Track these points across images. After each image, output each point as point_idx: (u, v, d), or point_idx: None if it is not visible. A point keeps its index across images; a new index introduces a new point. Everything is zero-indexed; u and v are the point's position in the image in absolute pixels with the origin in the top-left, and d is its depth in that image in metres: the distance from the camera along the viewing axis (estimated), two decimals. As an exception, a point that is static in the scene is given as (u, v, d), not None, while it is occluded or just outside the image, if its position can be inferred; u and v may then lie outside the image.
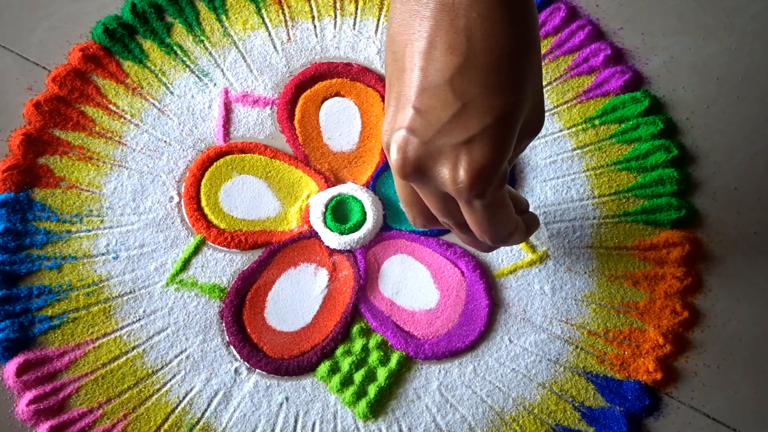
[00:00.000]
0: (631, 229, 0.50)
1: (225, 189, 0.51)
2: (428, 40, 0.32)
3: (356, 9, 0.56)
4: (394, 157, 0.33)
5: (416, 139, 0.32)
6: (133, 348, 0.47)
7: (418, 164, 0.33)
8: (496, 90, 0.32)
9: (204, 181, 0.51)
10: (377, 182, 0.51)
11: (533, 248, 0.50)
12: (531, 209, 0.51)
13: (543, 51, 0.54)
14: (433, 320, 0.48)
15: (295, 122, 0.53)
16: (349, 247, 0.50)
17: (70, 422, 0.45)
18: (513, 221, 0.37)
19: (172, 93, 0.53)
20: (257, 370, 0.47)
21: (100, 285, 0.48)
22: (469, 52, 0.31)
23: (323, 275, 0.49)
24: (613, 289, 0.49)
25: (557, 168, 0.52)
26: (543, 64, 0.54)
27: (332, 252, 0.50)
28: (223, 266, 0.49)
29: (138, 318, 0.48)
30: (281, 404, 0.46)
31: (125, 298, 0.48)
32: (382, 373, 0.47)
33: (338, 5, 0.56)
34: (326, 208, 0.50)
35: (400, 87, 0.33)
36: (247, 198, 0.51)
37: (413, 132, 0.32)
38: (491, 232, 0.36)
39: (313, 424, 0.46)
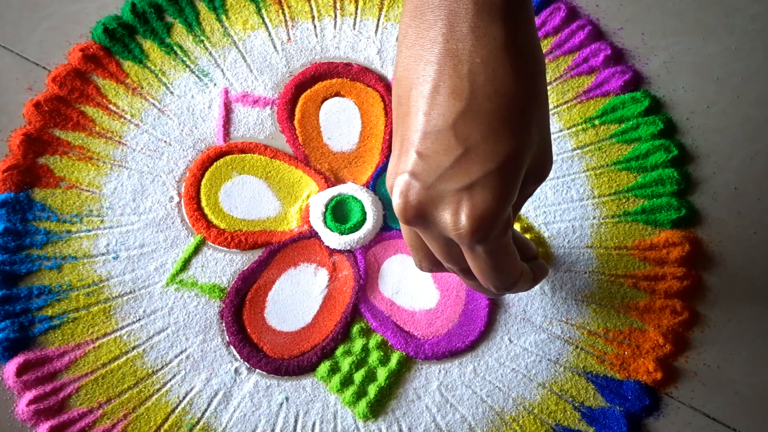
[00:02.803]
0: (631, 229, 0.50)
1: (225, 189, 0.51)
2: (432, 85, 0.31)
3: (356, 9, 0.56)
4: (396, 202, 0.33)
5: (418, 183, 0.32)
6: (133, 348, 0.47)
7: (420, 209, 0.32)
8: (499, 136, 0.31)
9: (204, 181, 0.51)
10: (377, 182, 0.51)
11: None
12: (531, 209, 0.51)
13: (543, 51, 0.54)
14: (433, 320, 0.48)
15: (295, 122, 0.53)
16: (349, 247, 0.50)
17: (70, 422, 0.45)
18: (518, 268, 0.36)
19: (172, 93, 0.53)
20: (257, 370, 0.47)
21: (100, 285, 0.48)
22: (472, 97, 0.31)
23: (323, 275, 0.49)
24: (613, 289, 0.49)
25: (557, 168, 0.52)
26: (543, 64, 0.54)
27: (332, 252, 0.50)
28: (223, 266, 0.49)
29: (138, 318, 0.48)
30: (281, 404, 0.46)
31: (125, 298, 0.48)
32: (382, 373, 0.47)
33: (338, 5, 0.56)
34: (326, 208, 0.50)
35: (404, 131, 0.33)
36: (247, 198, 0.51)
37: (415, 176, 0.32)
38: (494, 279, 0.35)
39: (313, 424, 0.46)
